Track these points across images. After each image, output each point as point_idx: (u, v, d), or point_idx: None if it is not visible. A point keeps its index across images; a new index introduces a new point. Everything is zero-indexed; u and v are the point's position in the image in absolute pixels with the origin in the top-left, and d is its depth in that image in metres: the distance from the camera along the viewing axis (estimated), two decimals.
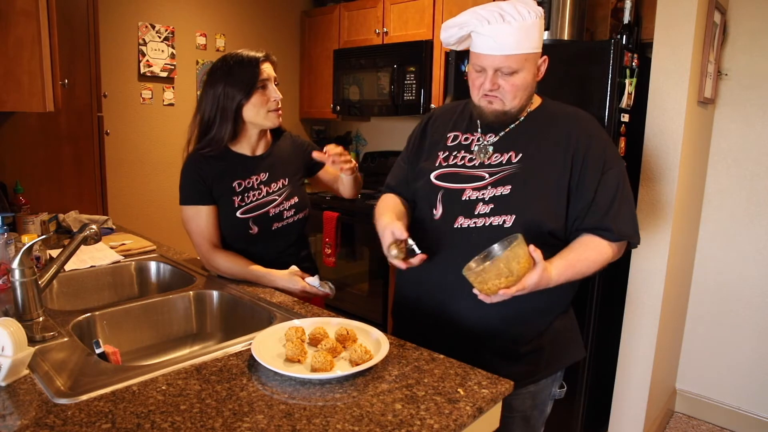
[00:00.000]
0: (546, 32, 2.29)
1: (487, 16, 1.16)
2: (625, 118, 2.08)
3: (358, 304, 3.26)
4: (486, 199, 1.24)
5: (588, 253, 1.21)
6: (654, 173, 2.11)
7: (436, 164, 1.33)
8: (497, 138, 1.29)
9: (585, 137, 1.25)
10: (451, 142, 1.35)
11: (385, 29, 3.46)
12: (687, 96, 2.01)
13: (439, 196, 1.30)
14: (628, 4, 2.27)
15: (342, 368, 1.01)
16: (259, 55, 1.53)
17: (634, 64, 2.05)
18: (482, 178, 1.26)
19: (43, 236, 1.62)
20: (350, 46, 3.68)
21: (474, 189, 1.26)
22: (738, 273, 2.52)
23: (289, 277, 1.52)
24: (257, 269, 1.54)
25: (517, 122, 1.29)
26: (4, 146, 2.32)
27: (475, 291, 1.10)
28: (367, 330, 1.16)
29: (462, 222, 1.25)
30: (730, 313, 2.56)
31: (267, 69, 1.53)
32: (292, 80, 4.15)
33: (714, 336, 2.61)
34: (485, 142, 1.30)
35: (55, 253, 1.67)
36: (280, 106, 1.57)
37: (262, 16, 3.92)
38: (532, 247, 1.07)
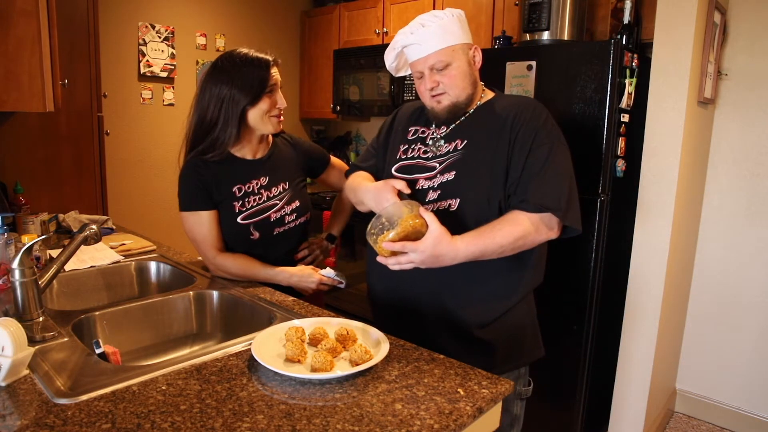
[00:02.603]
0: (546, 32, 2.29)
1: (409, 29, 1.31)
2: (625, 118, 2.09)
3: (358, 304, 3.26)
4: (435, 186, 1.33)
5: (501, 224, 1.22)
6: (654, 173, 2.11)
7: (397, 157, 1.43)
8: (448, 130, 1.37)
9: (521, 119, 1.30)
10: (411, 135, 1.44)
11: (385, 29, 3.46)
12: (687, 96, 2.01)
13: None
14: (628, 4, 2.27)
15: (342, 368, 1.01)
16: (269, 58, 1.49)
17: (634, 64, 2.05)
18: (433, 168, 1.35)
19: (43, 236, 1.62)
20: (350, 46, 3.68)
21: (426, 179, 1.34)
22: (738, 273, 2.52)
23: (304, 272, 1.52)
24: (269, 269, 1.53)
25: (466, 115, 1.37)
26: (4, 146, 2.33)
27: (378, 258, 1.18)
28: (367, 330, 1.16)
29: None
30: (730, 313, 2.56)
31: (276, 74, 1.50)
32: (292, 80, 4.16)
33: (714, 336, 2.61)
34: (437, 135, 1.38)
35: (55, 253, 1.68)
36: (282, 111, 1.55)
37: (262, 16, 3.92)
38: (423, 207, 1.16)
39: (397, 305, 1.38)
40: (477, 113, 1.37)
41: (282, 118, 1.55)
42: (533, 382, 1.45)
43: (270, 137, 1.64)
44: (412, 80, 3.12)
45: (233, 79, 1.45)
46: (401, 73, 1.47)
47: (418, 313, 1.35)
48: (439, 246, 1.13)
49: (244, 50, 1.50)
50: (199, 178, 1.50)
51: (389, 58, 1.40)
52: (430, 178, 1.34)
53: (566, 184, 1.27)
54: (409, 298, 1.36)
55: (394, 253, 1.16)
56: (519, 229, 1.22)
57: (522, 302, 1.38)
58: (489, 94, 1.41)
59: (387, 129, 1.53)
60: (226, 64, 1.48)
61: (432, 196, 1.32)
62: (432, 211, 1.28)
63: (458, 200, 1.29)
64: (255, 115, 1.49)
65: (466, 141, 1.33)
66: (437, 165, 1.34)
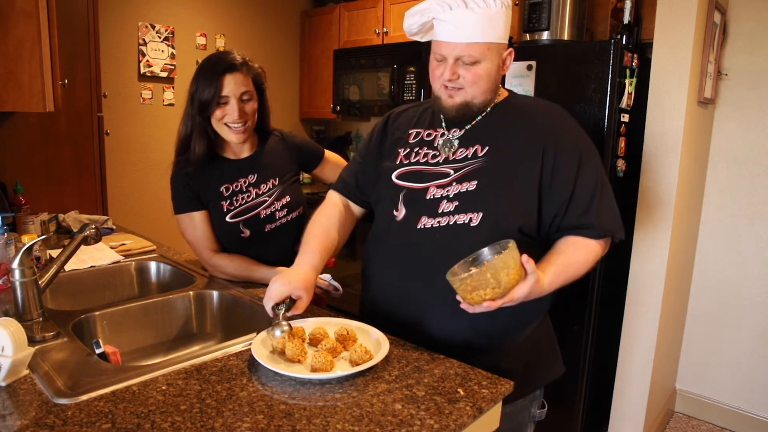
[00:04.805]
0: (546, 32, 2.29)
1: (449, 1, 1.12)
2: (625, 118, 2.09)
3: (358, 305, 3.26)
4: (450, 196, 1.17)
5: (578, 255, 1.14)
6: (654, 173, 2.11)
7: (397, 163, 1.27)
8: (462, 132, 1.22)
9: (556, 129, 1.19)
10: (413, 139, 1.29)
11: (385, 29, 3.46)
12: (687, 96, 2.01)
13: (401, 197, 1.23)
14: (628, 4, 2.27)
15: (342, 368, 1.01)
16: (231, 62, 1.43)
17: (634, 64, 2.05)
18: (447, 175, 1.19)
19: (43, 236, 1.62)
20: (350, 46, 3.68)
21: (438, 187, 1.19)
22: (738, 273, 2.52)
23: None
24: (265, 269, 1.52)
25: (483, 115, 1.22)
26: (4, 146, 2.33)
27: (458, 298, 1.02)
28: (367, 330, 1.16)
29: (425, 222, 1.18)
30: (730, 312, 2.56)
31: (231, 83, 1.43)
32: (292, 80, 4.15)
33: (714, 336, 2.61)
34: (450, 136, 1.23)
35: (55, 253, 1.68)
36: (242, 121, 1.46)
37: (263, 15, 3.92)
38: (525, 257, 1.00)
39: (396, 323, 1.23)
40: (495, 115, 1.23)
41: (241, 128, 1.47)
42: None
43: (255, 137, 1.62)
44: (413, 80, 3.16)
45: (198, 85, 1.45)
46: (417, 38, 1.28)
47: (426, 337, 1.20)
48: (531, 293, 1.03)
49: (214, 54, 1.50)
50: (187, 180, 1.51)
51: (412, 22, 1.21)
52: (443, 186, 1.18)
53: (614, 200, 1.19)
54: (414, 321, 1.22)
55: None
56: (592, 258, 1.15)
57: (542, 322, 1.30)
58: (503, 93, 1.27)
59: (379, 134, 1.37)
60: (199, 69, 1.48)
61: (447, 207, 1.16)
62: (448, 224, 1.16)
63: (481, 215, 1.14)
64: (214, 123, 1.49)
65: (487, 147, 1.18)
66: (451, 171, 1.19)
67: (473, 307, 1.01)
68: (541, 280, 1.04)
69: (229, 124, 1.47)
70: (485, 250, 1.06)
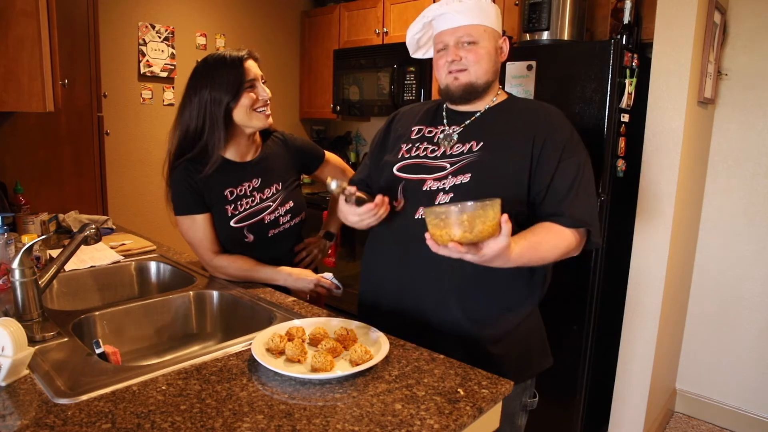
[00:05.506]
0: (546, 32, 2.29)
1: (444, 1, 1.27)
2: (625, 118, 2.09)
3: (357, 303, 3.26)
4: (446, 188, 1.24)
5: (550, 237, 1.18)
6: (654, 173, 2.11)
7: (399, 156, 1.34)
8: (461, 128, 1.30)
9: (546, 125, 1.25)
10: (415, 135, 1.36)
11: (385, 29, 3.46)
12: (687, 96, 2.01)
13: (399, 188, 1.30)
14: (628, 4, 2.27)
15: (342, 368, 1.01)
16: (242, 53, 1.47)
17: (634, 64, 2.05)
18: (443, 168, 1.26)
19: (43, 236, 1.62)
20: (350, 46, 3.68)
21: (435, 179, 1.25)
22: (738, 273, 2.52)
23: (301, 273, 1.52)
24: (267, 269, 1.52)
25: (481, 112, 1.31)
26: (4, 146, 2.33)
27: (426, 235, 1.03)
28: (367, 330, 1.16)
29: (422, 213, 1.23)
30: (730, 312, 2.56)
31: (252, 67, 1.47)
32: (292, 80, 4.15)
33: (714, 336, 2.61)
34: (450, 131, 1.31)
35: (55, 253, 1.68)
36: (269, 104, 1.51)
37: (262, 16, 3.92)
38: (505, 216, 1.00)
39: (393, 313, 1.30)
40: (491, 113, 1.31)
41: (269, 111, 1.52)
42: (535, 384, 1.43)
43: (258, 138, 1.61)
44: (413, 80, 3.16)
45: (212, 82, 1.44)
46: (419, 54, 1.39)
47: (423, 325, 1.26)
48: (499, 257, 1.03)
49: (218, 52, 1.49)
50: (189, 182, 1.48)
51: (414, 29, 1.33)
52: (439, 179, 1.25)
53: (594, 199, 1.24)
54: (411, 308, 1.28)
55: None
56: (564, 245, 1.19)
57: (531, 314, 1.33)
58: (503, 95, 1.35)
59: (384, 132, 1.46)
60: (202, 70, 1.47)
61: (443, 198, 1.23)
62: None
63: None
64: (240, 113, 1.47)
65: (482, 143, 1.26)
66: (447, 165, 1.26)
67: (438, 246, 1.02)
68: (512, 247, 1.05)
69: (259, 109, 1.48)
70: (470, 202, 1.05)
